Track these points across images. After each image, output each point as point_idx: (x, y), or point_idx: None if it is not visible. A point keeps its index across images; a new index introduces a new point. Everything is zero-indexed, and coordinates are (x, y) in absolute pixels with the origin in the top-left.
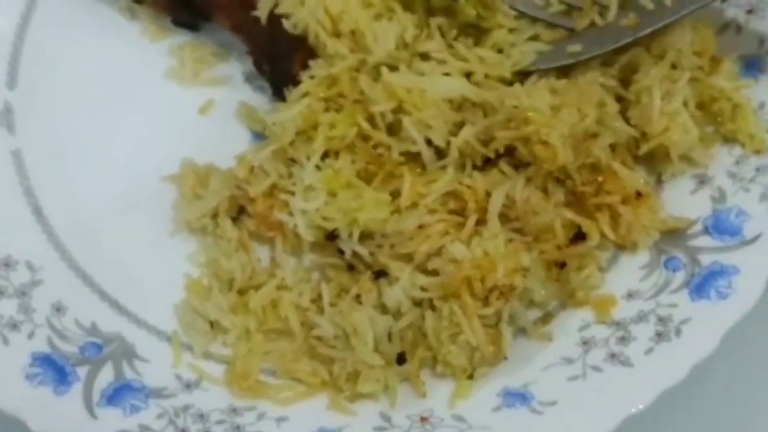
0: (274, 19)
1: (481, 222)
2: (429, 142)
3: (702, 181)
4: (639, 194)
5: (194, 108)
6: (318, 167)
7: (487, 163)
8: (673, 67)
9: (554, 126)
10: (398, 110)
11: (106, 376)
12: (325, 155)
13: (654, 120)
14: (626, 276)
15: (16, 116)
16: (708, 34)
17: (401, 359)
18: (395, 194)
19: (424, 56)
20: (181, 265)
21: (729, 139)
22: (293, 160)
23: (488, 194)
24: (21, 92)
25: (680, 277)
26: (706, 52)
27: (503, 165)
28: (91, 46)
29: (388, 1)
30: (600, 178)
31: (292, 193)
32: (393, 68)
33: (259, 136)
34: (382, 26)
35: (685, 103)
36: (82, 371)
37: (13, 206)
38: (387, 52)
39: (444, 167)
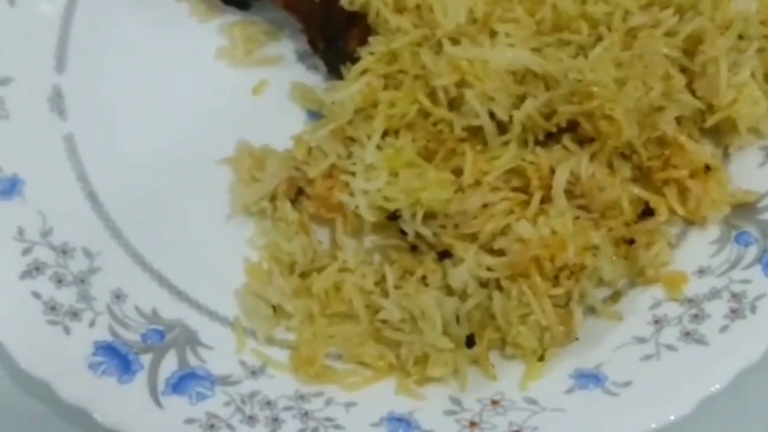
0: None
1: (545, 199)
2: (492, 115)
3: None
4: (707, 168)
5: (247, 88)
6: (378, 146)
7: (550, 138)
8: (740, 37)
9: (619, 100)
10: (460, 84)
11: (169, 364)
12: (384, 134)
13: (721, 92)
14: (697, 252)
15: (67, 100)
16: None
17: (470, 341)
18: (457, 172)
19: (492, 34)
20: (239, 248)
21: None
22: (352, 140)
23: (552, 170)
24: (70, 76)
25: (752, 252)
26: None
27: (567, 140)
28: (139, 28)
29: None
30: (667, 152)
31: (352, 174)
32: (455, 42)
33: (315, 116)
34: (452, 0)
35: (753, 74)
36: (146, 359)
37: (68, 192)
38: (456, 26)
39: (506, 143)
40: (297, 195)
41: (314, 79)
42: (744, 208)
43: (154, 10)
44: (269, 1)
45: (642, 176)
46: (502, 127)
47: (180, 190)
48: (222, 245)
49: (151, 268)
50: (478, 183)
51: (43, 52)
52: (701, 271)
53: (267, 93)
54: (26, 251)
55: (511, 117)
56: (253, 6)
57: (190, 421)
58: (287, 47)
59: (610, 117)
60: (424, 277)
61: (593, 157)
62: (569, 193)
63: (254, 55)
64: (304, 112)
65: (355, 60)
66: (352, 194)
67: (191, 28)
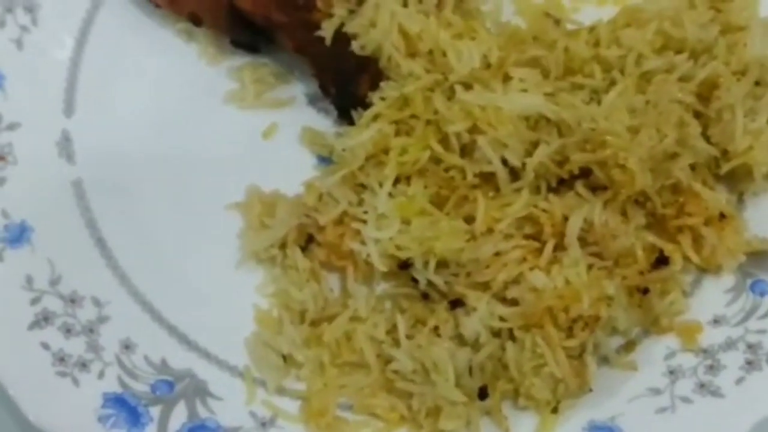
0: (339, 39)
1: (558, 247)
2: (504, 162)
3: None
4: (722, 215)
5: (257, 132)
6: (390, 194)
7: (563, 185)
8: (756, 83)
9: (632, 150)
10: (473, 130)
11: (179, 416)
12: (395, 180)
13: (737, 138)
14: (711, 301)
15: (75, 144)
16: None
17: (483, 393)
18: (469, 219)
19: (506, 78)
20: (249, 296)
21: None
22: (363, 186)
23: (565, 218)
24: (79, 119)
25: None
26: None
27: (580, 187)
28: (148, 71)
29: (470, 23)
30: (681, 200)
31: (364, 221)
32: (468, 87)
33: (325, 161)
34: (466, 44)
35: None
36: (155, 411)
37: (76, 239)
38: (470, 71)
39: (518, 190)
40: (307, 242)
41: (325, 123)
42: (760, 256)
43: (164, 53)
44: (280, 44)
45: (656, 223)
46: (515, 174)
47: (189, 237)
48: (231, 293)
49: (160, 317)
50: (490, 230)
51: (51, 95)
52: (716, 321)
53: (277, 137)
54: (35, 301)
55: (524, 164)
56: (264, 49)
57: None
58: (298, 90)
59: (624, 166)
60: (436, 328)
61: (606, 204)
62: (582, 241)
63: (264, 98)
64: (315, 157)
65: (366, 105)
66: (363, 242)
67: (200, 71)
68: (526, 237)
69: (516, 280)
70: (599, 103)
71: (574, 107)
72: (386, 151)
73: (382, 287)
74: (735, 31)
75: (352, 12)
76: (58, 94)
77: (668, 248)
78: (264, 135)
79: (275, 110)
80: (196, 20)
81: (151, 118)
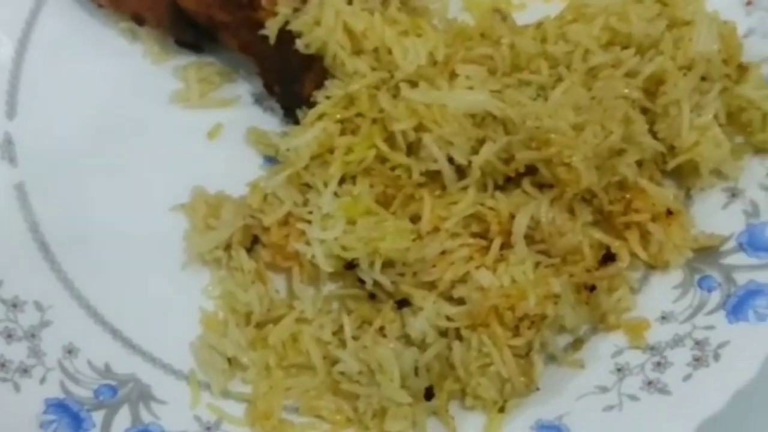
0: (284, 38)
1: (505, 245)
2: (450, 160)
3: (733, 194)
4: (669, 211)
5: (202, 132)
6: (336, 194)
7: (510, 182)
8: (702, 78)
9: (577, 148)
10: (419, 128)
11: (122, 421)
12: (341, 180)
13: (684, 134)
14: (659, 297)
15: (17, 147)
16: (734, 40)
17: (429, 394)
18: (415, 218)
19: (452, 76)
20: (195, 298)
21: (760, 150)
22: (308, 186)
23: (512, 216)
24: (21, 122)
25: (716, 297)
26: (733, 60)
27: (526, 185)
28: (91, 71)
29: (416, 20)
30: (628, 196)
31: (309, 222)
32: (414, 85)
33: (271, 160)
34: (412, 42)
35: (716, 116)
36: (98, 416)
37: (18, 243)
38: (416, 68)
39: (465, 188)
40: (253, 243)
41: (271, 122)
42: (707, 251)
43: (108, 53)
44: (224, 43)
45: (603, 220)
46: (461, 172)
47: (133, 239)
48: (177, 295)
49: (103, 321)
50: (436, 229)
51: None
52: (664, 318)
53: (222, 137)
54: None
55: (470, 162)
56: (208, 48)
57: None
58: (243, 89)
59: (569, 164)
60: (382, 328)
61: (553, 201)
62: (529, 238)
63: (209, 98)
64: (261, 157)
65: (311, 104)
66: (308, 243)
67: (145, 70)
68: (473, 235)
69: (462, 279)
70: (546, 99)
71: (519, 104)
72: (331, 151)
73: (328, 288)
74: (681, 25)
75: (296, 10)
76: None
77: (615, 245)
78: (209, 135)
79: (220, 110)
80: (138, 20)
81: (95, 119)
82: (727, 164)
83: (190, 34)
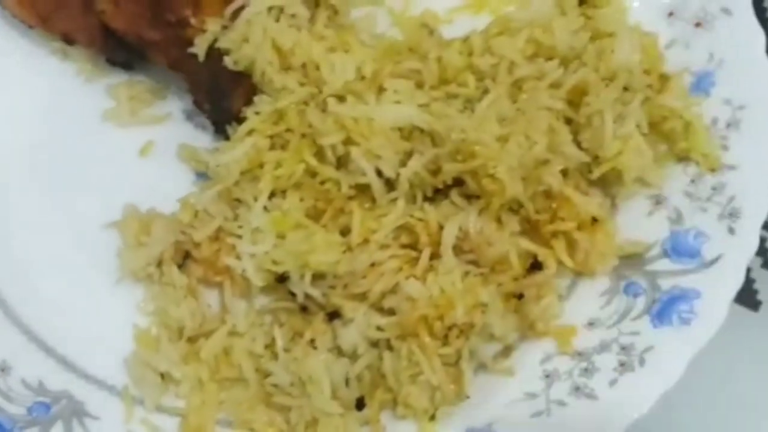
0: (213, 55)
1: (435, 255)
2: (379, 173)
3: (658, 202)
4: (594, 220)
5: (134, 150)
6: (265, 208)
7: (439, 194)
8: (624, 88)
9: (501, 159)
10: (347, 142)
11: None
12: (271, 194)
13: (606, 143)
14: (586, 304)
15: None
16: (655, 51)
17: (360, 404)
18: (345, 231)
19: (380, 90)
20: (128, 314)
21: (683, 158)
22: (239, 201)
23: (441, 227)
24: None
25: (641, 302)
26: (655, 70)
27: (455, 196)
28: (23, 91)
29: (344, 35)
30: (554, 205)
31: (239, 237)
32: (342, 100)
33: (203, 176)
34: (339, 57)
35: (638, 125)
36: None
37: None
38: (344, 83)
39: (394, 200)
40: (184, 259)
41: (202, 139)
42: (633, 258)
43: (40, 73)
44: (153, 61)
45: (530, 229)
46: (391, 184)
47: (67, 257)
48: (110, 312)
49: (36, 338)
50: (366, 241)
51: None
52: (591, 324)
53: (154, 154)
54: None
55: (398, 174)
56: (138, 66)
57: None
58: (174, 106)
59: (493, 176)
60: (312, 340)
61: (481, 212)
62: (458, 249)
63: (140, 115)
64: (193, 173)
65: (240, 120)
66: (239, 257)
67: (78, 89)
68: (403, 246)
69: (392, 290)
70: (473, 111)
71: (446, 117)
72: (261, 166)
73: (260, 302)
74: (604, 37)
75: (224, 28)
76: None
77: (542, 253)
78: (141, 152)
79: (152, 127)
80: (68, 40)
81: (28, 138)
82: (650, 172)
83: (121, 54)
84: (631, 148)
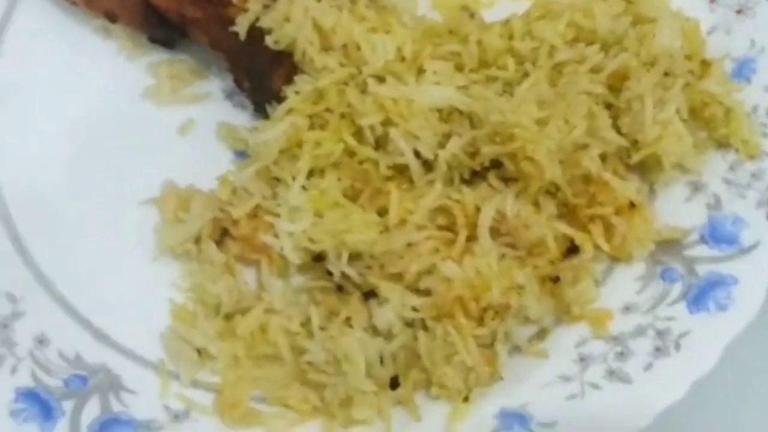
0: (254, 34)
1: (471, 237)
2: (417, 154)
3: (696, 188)
4: (632, 204)
5: (174, 128)
6: (303, 187)
7: (476, 176)
8: (665, 73)
9: (540, 141)
10: (386, 123)
11: (92, 410)
12: (310, 173)
13: (646, 129)
14: (622, 289)
15: None
16: (697, 36)
17: (394, 383)
18: (382, 211)
19: (420, 72)
20: (165, 290)
21: (722, 145)
22: (277, 180)
23: (478, 209)
24: None
25: (678, 288)
26: (696, 56)
27: (492, 178)
28: (65, 68)
29: (385, 17)
30: (592, 190)
31: (277, 215)
32: (381, 81)
33: (242, 155)
34: (380, 38)
35: (678, 111)
36: (68, 405)
37: None
38: (384, 64)
39: (432, 181)
40: (222, 236)
41: (241, 118)
42: (670, 244)
43: (82, 51)
44: (194, 39)
45: (568, 213)
46: (428, 166)
47: (105, 232)
48: (147, 287)
49: (75, 312)
50: (403, 222)
51: None
52: (627, 308)
53: (193, 132)
54: None
55: (436, 155)
56: (180, 44)
57: None
58: (214, 85)
59: (532, 158)
60: (348, 319)
61: (519, 194)
62: (495, 231)
63: (180, 94)
64: (231, 152)
65: (281, 99)
66: (277, 236)
67: (119, 67)
68: (440, 228)
69: (429, 271)
70: (512, 95)
71: (485, 99)
72: (300, 145)
73: (297, 280)
74: (645, 22)
75: (266, 7)
76: None
77: (579, 237)
78: (181, 130)
79: (192, 106)
80: (111, 17)
81: (69, 115)
82: (689, 158)
83: (162, 31)
84: (671, 133)
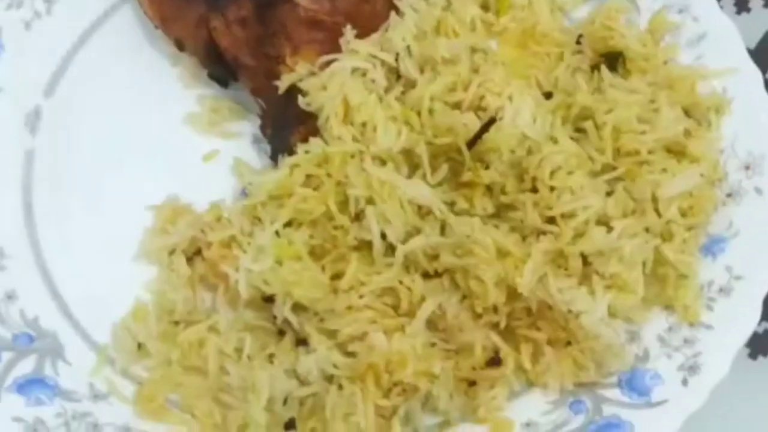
0: (291, 91)
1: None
2: (384, 236)
3: (632, 338)
4: (569, 343)
5: (200, 154)
6: (277, 233)
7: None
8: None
9: (494, 268)
10: (369, 200)
11: (25, 367)
12: (287, 223)
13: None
14: (531, 406)
15: (43, 122)
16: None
17: (290, 425)
18: (339, 274)
19: (418, 167)
20: (136, 288)
21: (668, 305)
22: (259, 220)
23: (423, 299)
24: (54, 101)
25: (579, 420)
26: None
27: (446, 279)
28: (131, 79)
29: (407, 111)
30: (536, 315)
31: (245, 251)
32: (383, 163)
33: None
34: (396, 127)
35: (644, 264)
36: (6, 356)
37: (7, 197)
38: (388, 150)
39: (391, 264)
40: (194, 254)
41: (258, 161)
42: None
43: (150, 67)
44: (242, 82)
45: (506, 326)
46: (393, 250)
47: (107, 221)
48: (122, 281)
49: (51, 281)
50: (351, 289)
51: (38, 76)
52: (528, 425)
53: (215, 162)
54: None
55: (400, 243)
56: (231, 86)
57: (17, 419)
58: (246, 128)
59: (481, 279)
60: (272, 355)
61: (464, 299)
62: (432, 323)
63: (216, 127)
64: (241, 187)
65: (292, 152)
66: (237, 269)
67: (174, 91)
68: (384, 305)
69: (360, 337)
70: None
71: (461, 215)
72: (289, 195)
73: (245, 314)
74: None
75: (312, 74)
76: (44, 76)
77: (506, 352)
78: (205, 158)
79: (222, 139)
80: (180, 45)
81: (119, 118)
82: (636, 311)
83: (219, 69)
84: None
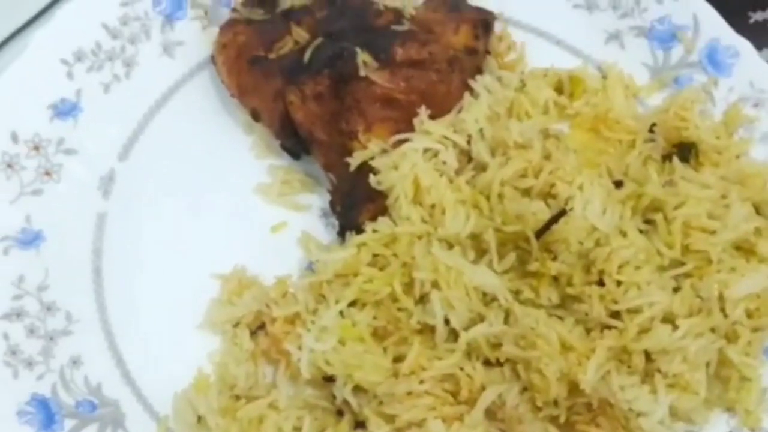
0: (363, 169)
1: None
2: (447, 321)
3: None
4: None
5: (268, 224)
6: (341, 313)
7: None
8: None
9: (557, 362)
10: (435, 284)
11: None
12: (352, 303)
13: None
14: None
15: (116, 185)
16: None
17: None
18: (401, 358)
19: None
20: (199, 358)
21: (729, 408)
22: (324, 297)
23: (484, 388)
24: (128, 165)
25: None
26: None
27: (507, 368)
28: (208, 144)
29: (478, 197)
30: (595, 411)
31: (308, 329)
32: (450, 246)
33: (312, 266)
34: (465, 211)
35: (708, 365)
36: (69, 423)
37: (78, 261)
38: (456, 233)
39: (453, 350)
40: (259, 328)
41: (325, 235)
42: None
43: (225, 134)
44: (314, 156)
45: (565, 422)
46: (456, 335)
47: (173, 288)
48: (185, 350)
49: (115, 348)
50: (413, 374)
51: (115, 138)
52: None
53: (282, 233)
54: (17, 297)
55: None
56: (303, 158)
57: None
58: (315, 201)
59: (543, 373)
60: None
61: (524, 390)
62: (491, 413)
63: (286, 198)
64: (306, 261)
65: (360, 231)
66: (300, 347)
67: (246, 160)
68: (444, 392)
69: (420, 424)
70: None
71: (526, 305)
72: (356, 275)
73: (307, 391)
74: None
75: (384, 151)
76: (120, 140)
77: None
78: (273, 228)
79: (290, 211)
80: (255, 115)
81: (191, 183)
82: (697, 412)
83: (292, 142)
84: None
